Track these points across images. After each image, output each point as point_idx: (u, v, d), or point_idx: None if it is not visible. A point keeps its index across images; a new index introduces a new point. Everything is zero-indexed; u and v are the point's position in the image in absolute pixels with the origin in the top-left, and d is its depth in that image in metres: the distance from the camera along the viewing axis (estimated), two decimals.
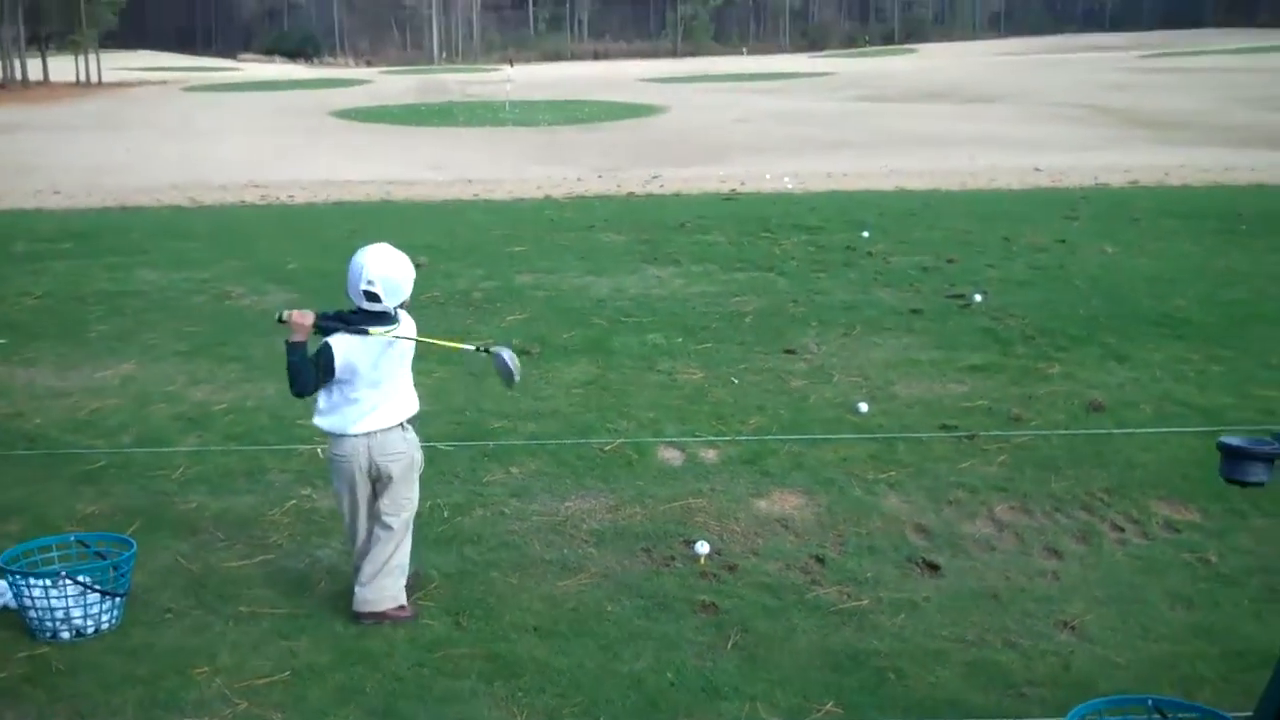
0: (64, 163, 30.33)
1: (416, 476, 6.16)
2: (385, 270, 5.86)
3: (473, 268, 14.47)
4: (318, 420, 6.04)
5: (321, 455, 8.21)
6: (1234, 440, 4.35)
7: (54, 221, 19.51)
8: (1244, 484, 4.33)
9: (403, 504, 6.07)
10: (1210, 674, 5.44)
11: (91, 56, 75.82)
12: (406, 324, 6.08)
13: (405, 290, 5.97)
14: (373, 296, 5.85)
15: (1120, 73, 60.42)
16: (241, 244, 16.45)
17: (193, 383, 9.93)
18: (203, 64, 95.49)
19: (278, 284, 13.85)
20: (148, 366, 10.44)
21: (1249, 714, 4.53)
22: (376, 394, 5.95)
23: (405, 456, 6.03)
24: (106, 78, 76.50)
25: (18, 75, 72.92)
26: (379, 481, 6.01)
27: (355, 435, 5.92)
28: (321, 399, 5.99)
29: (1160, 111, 39.16)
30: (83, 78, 75.46)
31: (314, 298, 13.07)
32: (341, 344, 5.85)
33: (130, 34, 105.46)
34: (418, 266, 14.17)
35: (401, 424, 6.00)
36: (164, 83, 75.52)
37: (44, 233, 17.99)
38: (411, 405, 6.11)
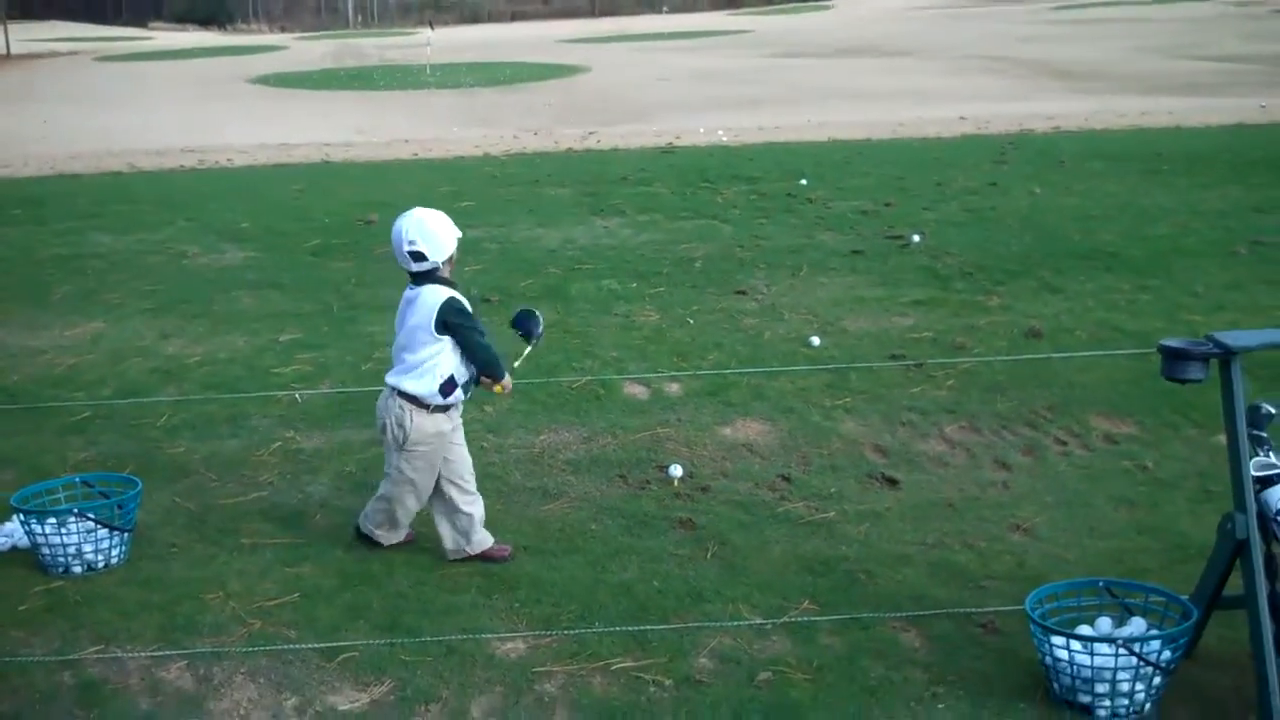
0: None
1: (407, 460, 6.05)
2: (423, 228, 5.92)
3: None
4: None
5: (300, 400, 8.56)
6: (1174, 342, 4.81)
7: None
8: (1184, 381, 4.79)
9: (390, 472, 6.16)
10: (1153, 565, 5.91)
11: None
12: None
13: (447, 244, 5.99)
14: (418, 256, 5.91)
15: (1033, 25, 61.13)
16: (190, 206, 16.59)
17: (163, 338, 10.18)
18: (114, 33, 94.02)
19: (233, 242, 14.05)
20: (116, 324, 10.67)
21: (1190, 594, 5.01)
22: (396, 349, 6.09)
23: (381, 421, 6.08)
24: (15, 49, 75.16)
25: None
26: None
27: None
28: None
29: (1075, 62, 39.83)
30: None
31: (271, 254, 13.37)
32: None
33: (38, 3, 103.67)
34: (367, 224, 14.63)
35: (398, 391, 5.99)
36: (75, 53, 74.33)
37: None
38: (413, 383, 5.97)
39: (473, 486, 6.19)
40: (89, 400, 8.68)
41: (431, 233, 5.93)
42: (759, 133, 23.83)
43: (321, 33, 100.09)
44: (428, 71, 47.21)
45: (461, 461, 6.17)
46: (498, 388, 6.07)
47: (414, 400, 5.95)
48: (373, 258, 12.91)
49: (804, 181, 16.72)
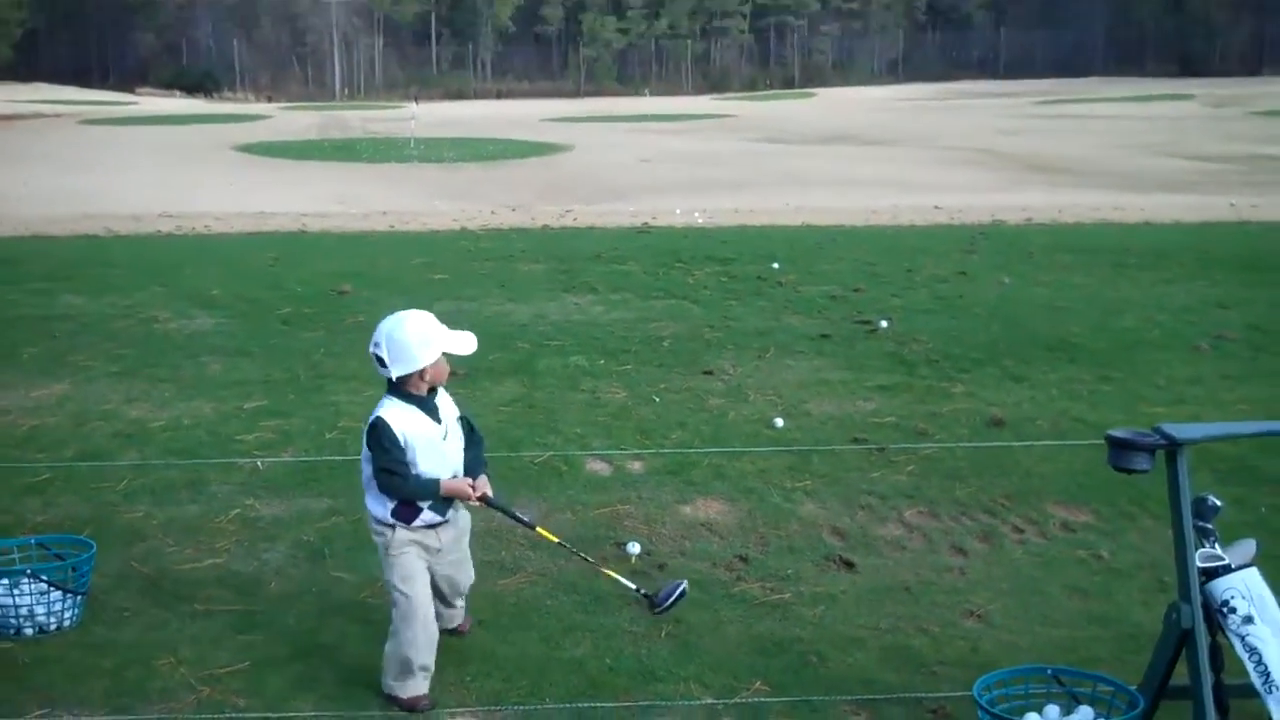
0: None
1: (391, 571, 5.59)
2: (394, 334, 5.48)
3: (395, 295, 14.73)
4: None
5: (261, 467, 8.56)
6: (1120, 432, 4.88)
7: None
8: (1129, 471, 4.84)
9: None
10: (1104, 654, 5.93)
11: None
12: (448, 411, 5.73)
13: (418, 357, 5.46)
14: (380, 361, 5.49)
15: (1014, 119, 61.85)
16: (163, 271, 16.61)
17: (128, 401, 10.17)
18: (100, 97, 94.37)
19: (204, 308, 14.07)
20: (82, 386, 10.66)
21: (1138, 684, 5.04)
22: None
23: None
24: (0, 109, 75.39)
25: None
26: None
27: None
28: None
29: (1052, 156, 40.27)
30: None
31: (241, 321, 13.41)
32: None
33: (22, 67, 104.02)
34: (340, 294, 14.68)
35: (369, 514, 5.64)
36: (59, 115, 74.58)
37: None
38: (370, 501, 5.63)
39: (454, 603, 5.94)
40: (50, 462, 8.67)
41: (400, 343, 5.43)
42: (734, 215, 24.02)
43: (307, 103, 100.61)
44: (411, 145, 47.46)
45: (462, 577, 5.92)
46: (470, 498, 5.64)
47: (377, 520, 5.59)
48: (343, 328, 12.96)
49: (776, 265, 16.86)
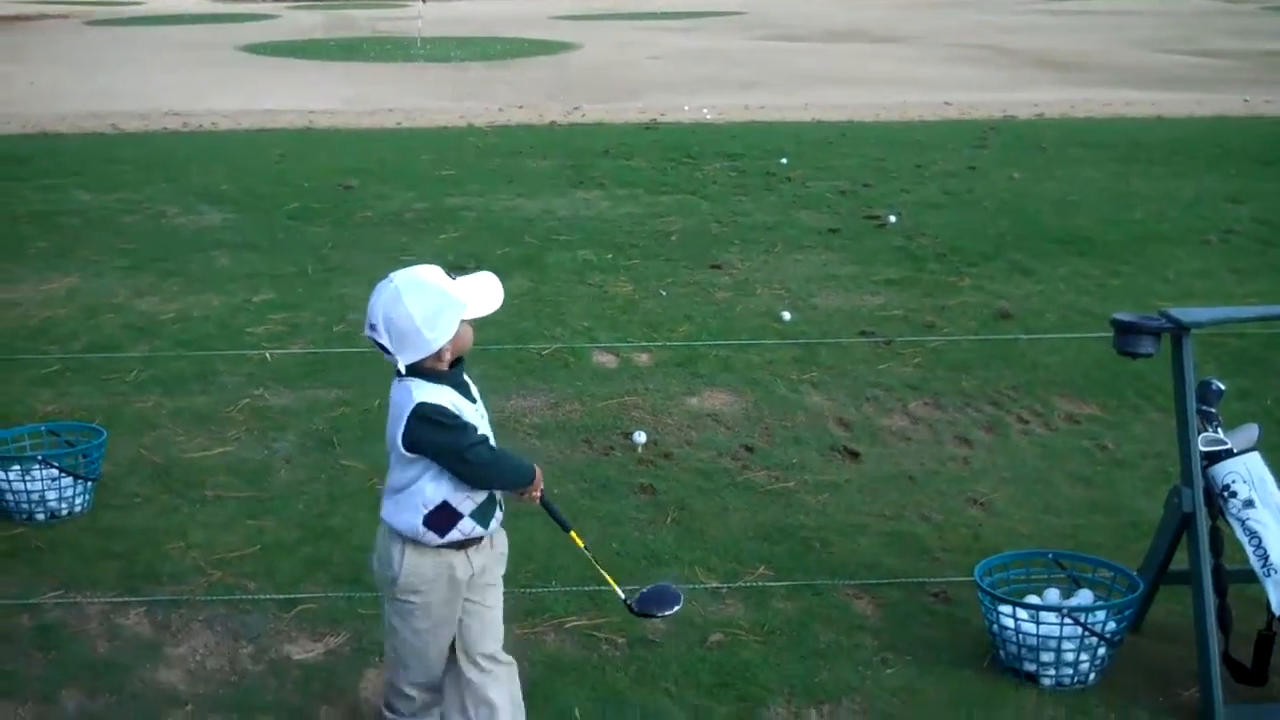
0: None
1: (397, 611, 4.10)
2: (394, 310, 3.97)
3: (403, 190, 14.74)
4: None
5: (269, 359, 8.60)
6: (1126, 316, 4.88)
7: None
8: (1135, 355, 4.85)
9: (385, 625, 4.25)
10: (1106, 541, 5.96)
11: None
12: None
13: (431, 338, 3.96)
14: (380, 347, 3.99)
15: (1023, 16, 61.03)
16: (171, 167, 16.55)
17: (137, 295, 10.21)
18: None
19: (212, 203, 14.03)
20: (91, 280, 10.69)
21: (1139, 568, 5.09)
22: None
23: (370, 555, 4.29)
24: (3, 10, 74.76)
25: None
26: None
27: None
28: None
29: (1064, 52, 39.79)
30: None
31: (249, 216, 13.39)
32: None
33: None
34: (347, 189, 14.64)
35: (389, 528, 4.07)
36: (65, 16, 73.98)
37: None
38: (394, 513, 4.05)
39: (503, 659, 4.24)
40: (60, 353, 8.73)
41: (402, 326, 3.94)
42: (744, 111, 23.82)
43: (314, 2, 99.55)
44: (418, 44, 47.00)
45: (486, 629, 4.18)
46: (532, 493, 4.29)
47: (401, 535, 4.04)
48: (350, 223, 12.95)
49: (784, 160, 16.75)
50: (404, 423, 3.90)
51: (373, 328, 3.98)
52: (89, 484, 6.34)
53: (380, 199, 14.18)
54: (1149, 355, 4.82)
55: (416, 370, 3.98)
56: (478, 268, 10.49)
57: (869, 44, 46.00)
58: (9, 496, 6.20)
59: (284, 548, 5.94)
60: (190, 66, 37.80)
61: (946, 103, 25.27)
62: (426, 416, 3.91)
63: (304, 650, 5.08)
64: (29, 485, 6.16)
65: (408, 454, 3.94)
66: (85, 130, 21.27)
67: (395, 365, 3.97)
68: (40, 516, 6.21)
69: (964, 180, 15.38)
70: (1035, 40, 44.82)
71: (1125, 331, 4.81)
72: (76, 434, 6.69)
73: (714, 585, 5.59)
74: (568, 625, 5.24)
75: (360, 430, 7.30)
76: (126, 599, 5.46)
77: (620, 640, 5.12)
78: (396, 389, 4.00)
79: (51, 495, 6.19)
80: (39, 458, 6.18)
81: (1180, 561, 4.94)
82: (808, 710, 4.67)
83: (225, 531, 6.12)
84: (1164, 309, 4.87)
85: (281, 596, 5.47)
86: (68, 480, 6.22)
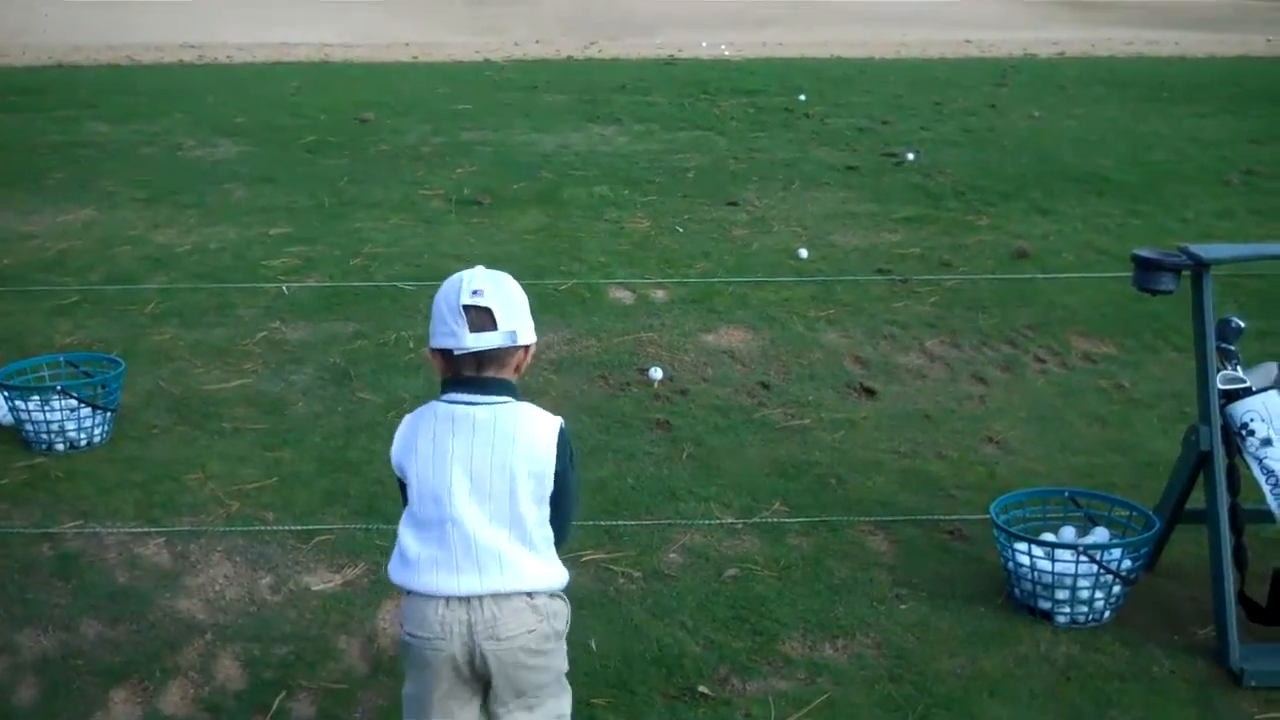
0: None
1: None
2: (502, 284, 3.20)
3: (419, 124, 14.70)
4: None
5: (286, 292, 8.60)
6: (1146, 252, 4.85)
7: None
8: (1154, 292, 4.82)
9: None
10: (1122, 481, 5.97)
11: None
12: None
13: (528, 318, 3.24)
14: (484, 320, 3.12)
15: None
16: (187, 99, 16.53)
17: (154, 227, 10.22)
18: None
19: (228, 136, 14.03)
20: (108, 212, 10.70)
21: (1155, 506, 5.08)
22: (467, 525, 3.22)
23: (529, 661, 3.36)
24: None
25: None
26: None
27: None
28: None
29: None
30: None
31: (265, 149, 13.37)
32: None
33: None
34: (363, 122, 14.60)
35: (547, 593, 3.39)
36: None
37: None
38: (543, 569, 3.39)
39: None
40: (78, 285, 8.74)
41: (515, 296, 3.22)
42: (762, 48, 23.67)
43: None
44: None
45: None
46: None
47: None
48: (366, 156, 12.93)
49: (802, 97, 16.66)
50: (554, 444, 3.21)
51: (477, 293, 3.12)
52: (108, 415, 6.37)
53: (396, 133, 14.15)
54: (1169, 292, 4.80)
55: (508, 388, 3.23)
56: (493, 203, 10.61)
57: None
58: (28, 427, 6.23)
59: (301, 480, 5.96)
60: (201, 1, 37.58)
61: (967, 40, 25.09)
62: (567, 440, 3.28)
63: (322, 581, 5.11)
64: (48, 415, 6.19)
65: (547, 486, 3.24)
66: (101, 62, 21.23)
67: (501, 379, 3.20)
68: (59, 447, 6.24)
69: (984, 119, 15.29)
70: None
71: (1145, 268, 4.78)
72: (95, 365, 6.72)
73: (730, 521, 5.61)
74: (584, 559, 5.25)
75: (376, 363, 7.31)
76: (146, 529, 5.50)
77: (636, 574, 5.14)
78: (501, 411, 3.18)
79: (70, 426, 6.22)
80: (58, 388, 6.21)
81: (1196, 500, 4.94)
82: (822, 645, 4.69)
83: (243, 463, 6.14)
84: (1184, 245, 4.84)
85: (299, 528, 5.50)
86: (86, 411, 6.25)
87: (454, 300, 3.13)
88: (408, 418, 3.30)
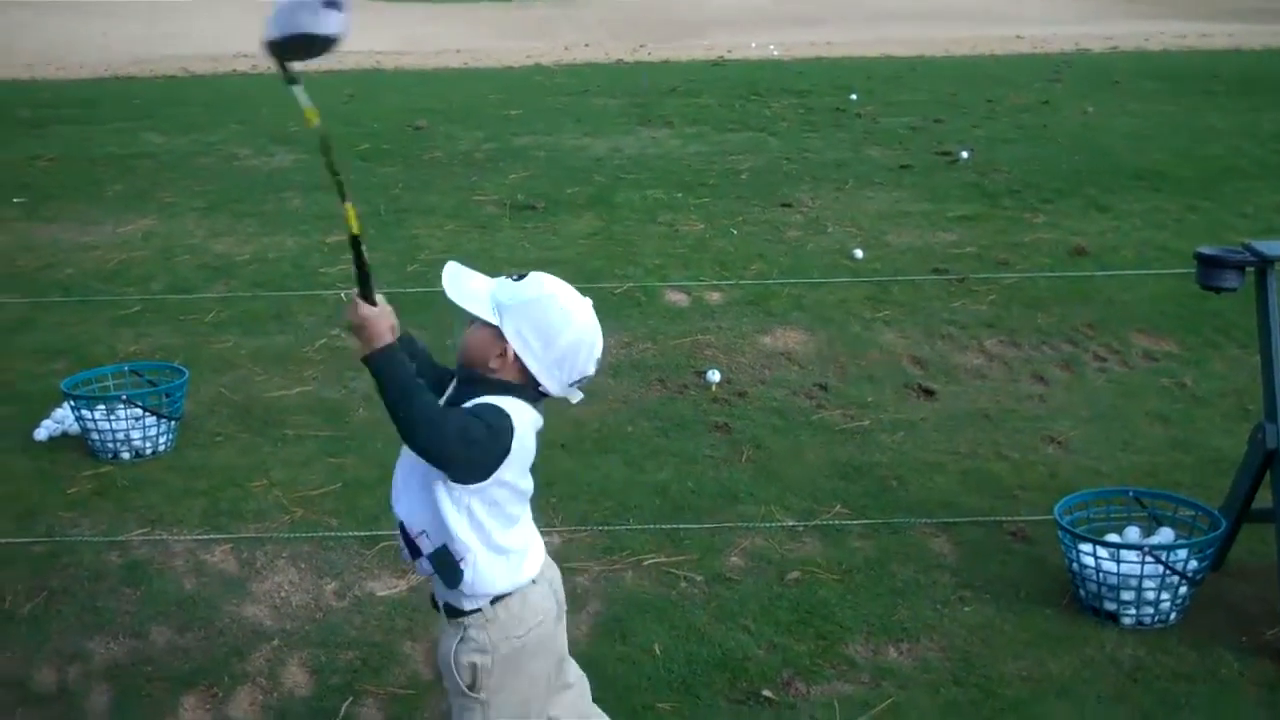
0: (43, 39, 30.14)
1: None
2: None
3: (472, 130, 14.79)
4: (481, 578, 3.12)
5: (345, 299, 8.64)
6: (1210, 250, 4.81)
7: (53, 90, 19.66)
8: (1218, 290, 4.79)
9: None
10: (1185, 479, 5.92)
11: None
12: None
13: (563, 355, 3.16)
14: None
15: None
16: (242, 109, 16.71)
17: (213, 236, 10.33)
18: None
19: (283, 145, 14.17)
20: (167, 222, 10.83)
21: (1220, 506, 5.04)
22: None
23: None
24: None
25: None
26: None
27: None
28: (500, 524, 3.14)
29: None
30: None
31: (320, 157, 13.40)
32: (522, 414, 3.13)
33: None
34: (417, 129, 14.68)
35: None
36: None
37: (46, 100, 18.21)
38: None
39: None
40: (139, 294, 8.85)
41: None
42: (811, 48, 23.64)
43: None
44: None
45: None
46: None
47: None
48: (420, 163, 13.01)
49: (854, 96, 16.63)
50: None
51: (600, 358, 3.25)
52: (172, 423, 6.44)
53: (450, 139, 14.24)
54: (1233, 290, 4.77)
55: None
56: (547, 207, 10.65)
57: None
58: (94, 436, 6.31)
59: (364, 486, 6.00)
60: (255, 10, 37.87)
61: (1019, 36, 24.96)
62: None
63: (387, 587, 5.14)
64: (114, 424, 6.27)
65: None
66: (157, 74, 21.46)
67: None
68: (125, 455, 6.32)
69: (1037, 115, 15.20)
70: None
71: (1209, 265, 4.75)
72: (159, 374, 6.80)
73: (791, 524, 5.60)
74: (646, 563, 5.27)
75: None
76: (212, 536, 5.55)
77: (699, 578, 5.15)
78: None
79: (136, 434, 6.30)
80: (123, 397, 6.29)
81: (1263, 499, 4.89)
82: (886, 648, 4.68)
83: (306, 470, 6.20)
84: (1248, 242, 4.80)
85: (363, 533, 5.53)
86: (151, 419, 6.32)
87: (587, 357, 3.17)
88: (524, 420, 3.13)
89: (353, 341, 3.05)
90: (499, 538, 3.13)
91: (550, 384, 3.15)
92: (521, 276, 3.19)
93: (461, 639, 3.15)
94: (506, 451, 3.06)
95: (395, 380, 3.07)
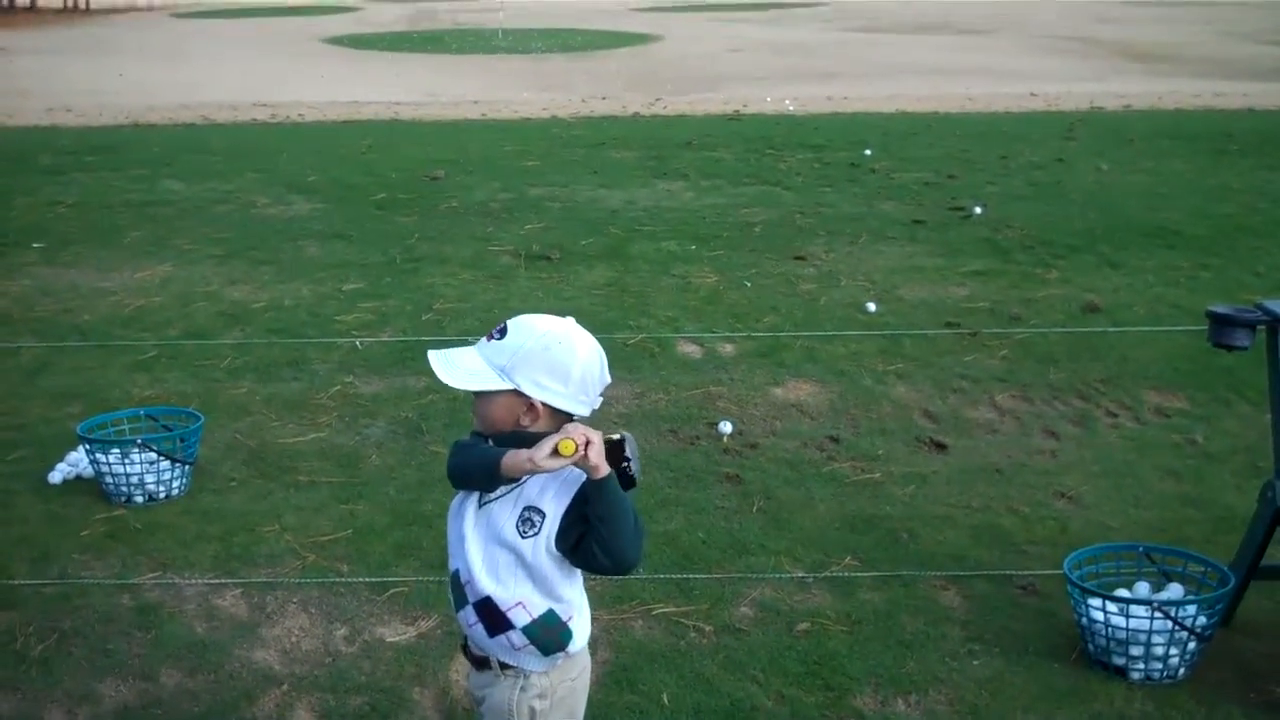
0: (63, 85, 30.38)
1: None
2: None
3: (488, 180, 14.90)
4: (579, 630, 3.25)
5: (360, 346, 8.71)
6: (1221, 308, 4.84)
7: (72, 137, 19.82)
8: (1230, 348, 4.81)
9: None
10: (1196, 535, 5.91)
11: None
12: None
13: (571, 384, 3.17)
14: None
15: (1113, 6, 60.45)
16: (260, 157, 16.86)
17: (230, 283, 10.40)
18: None
19: (301, 194, 14.28)
20: (184, 269, 10.91)
21: (1230, 562, 5.04)
22: None
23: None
24: (94, 3, 75.98)
25: (2, 0, 72.23)
26: None
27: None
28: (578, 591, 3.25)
29: (1151, 44, 39.38)
30: (69, 3, 74.80)
31: (337, 206, 13.57)
32: None
33: None
34: (433, 180, 14.80)
35: None
36: (151, 8, 75.21)
37: (65, 147, 18.36)
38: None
39: None
40: (155, 340, 8.91)
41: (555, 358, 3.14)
42: (827, 103, 23.78)
43: None
44: (499, 36, 47.33)
45: None
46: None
47: None
48: (437, 213, 13.10)
49: (868, 152, 16.72)
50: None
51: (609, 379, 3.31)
52: (186, 468, 6.48)
53: (465, 189, 14.34)
54: (1244, 348, 4.79)
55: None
56: (561, 259, 10.72)
57: (953, 35, 45.67)
58: (109, 479, 6.34)
59: (376, 532, 6.02)
60: (275, 58, 38.30)
61: (1033, 94, 25.08)
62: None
63: (396, 633, 5.16)
64: (128, 468, 6.30)
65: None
66: (176, 121, 21.65)
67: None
68: (139, 499, 6.35)
69: (1051, 172, 15.28)
70: (1125, 31, 44.33)
71: (1220, 324, 4.78)
72: (173, 419, 6.83)
73: (801, 575, 5.61)
74: (655, 612, 5.28)
75: (448, 418, 7.39)
76: (223, 580, 5.58)
77: (708, 629, 5.16)
78: None
79: (150, 478, 6.33)
80: (138, 441, 6.32)
81: (1273, 556, 4.90)
82: (895, 700, 4.68)
83: (318, 515, 6.22)
84: (1260, 301, 4.83)
85: (374, 580, 5.55)
86: (165, 464, 6.36)
87: (601, 375, 3.19)
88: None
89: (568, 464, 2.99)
90: (583, 588, 3.27)
91: (582, 409, 3.18)
92: (502, 332, 3.17)
93: (523, 687, 3.21)
94: None
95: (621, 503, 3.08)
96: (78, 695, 4.72)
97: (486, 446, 3.16)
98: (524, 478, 3.09)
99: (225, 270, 10.83)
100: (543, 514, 3.08)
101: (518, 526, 3.10)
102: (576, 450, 2.94)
